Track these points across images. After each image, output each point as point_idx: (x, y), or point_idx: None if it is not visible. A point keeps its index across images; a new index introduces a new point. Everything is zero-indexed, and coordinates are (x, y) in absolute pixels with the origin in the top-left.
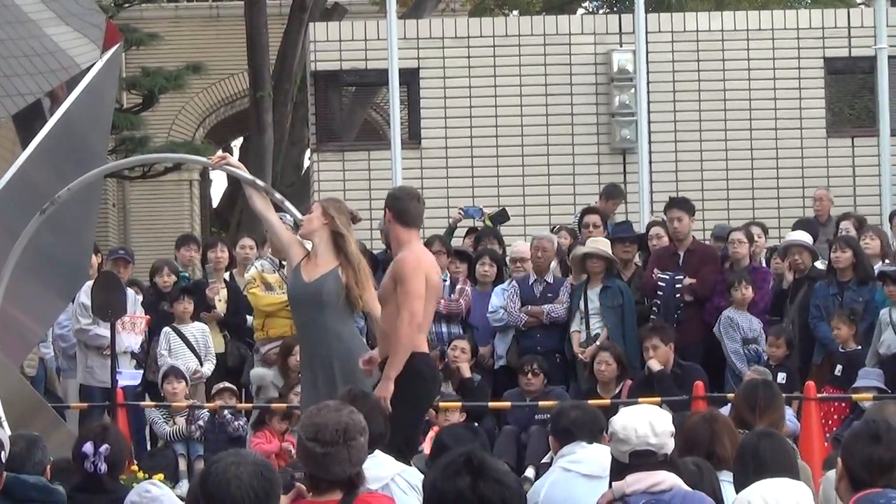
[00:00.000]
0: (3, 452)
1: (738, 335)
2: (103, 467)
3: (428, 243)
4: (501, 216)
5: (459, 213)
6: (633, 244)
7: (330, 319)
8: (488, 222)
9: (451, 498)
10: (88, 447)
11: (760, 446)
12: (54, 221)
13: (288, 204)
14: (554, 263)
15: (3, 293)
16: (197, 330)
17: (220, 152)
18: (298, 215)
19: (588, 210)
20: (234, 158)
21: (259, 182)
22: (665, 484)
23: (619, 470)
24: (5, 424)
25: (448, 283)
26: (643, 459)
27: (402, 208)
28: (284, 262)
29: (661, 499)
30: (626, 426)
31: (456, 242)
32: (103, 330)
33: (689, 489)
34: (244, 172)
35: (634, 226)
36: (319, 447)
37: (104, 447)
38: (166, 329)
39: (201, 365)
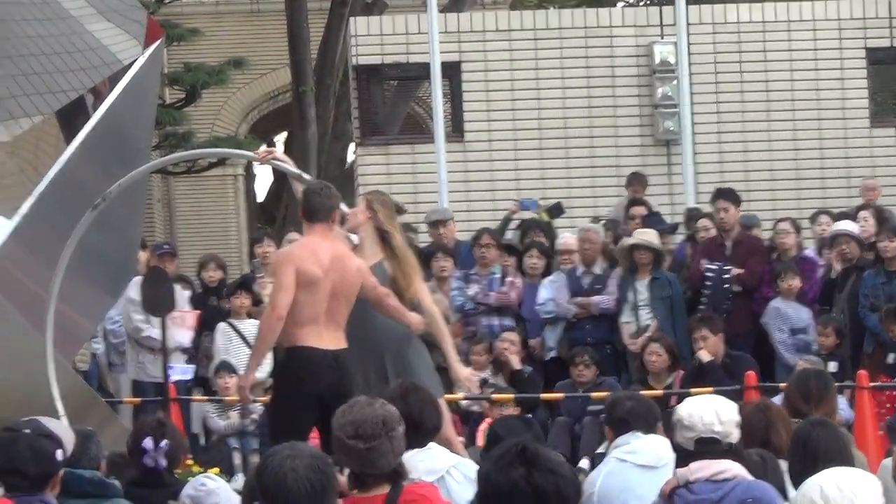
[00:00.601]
0: (60, 450)
1: (785, 325)
2: (163, 462)
3: (476, 236)
4: (557, 209)
5: (515, 205)
6: (670, 235)
7: (378, 314)
8: (544, 215)
9: (505, 489)
10: (148, 442)
11: (814, 435)
12: (101, 218)
13: None
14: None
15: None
16: (253, 327)
17: (264, 146)
18: (345, 209)
19: (634, 202)
20: (281, 152)
21: (305, 175)
22: (729, 473)
23: (683, 457)
24: (64, 420)
25: (499, 275)
26: (708, 447)
27: (305, 203)
28: None
29: (723, 487)
30: (693, 413)
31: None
32: (156, 332)
33: (753, 478)
34: (291, 166)
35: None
36: (363, 443)
37: (164, 442)
38: (222, 325)
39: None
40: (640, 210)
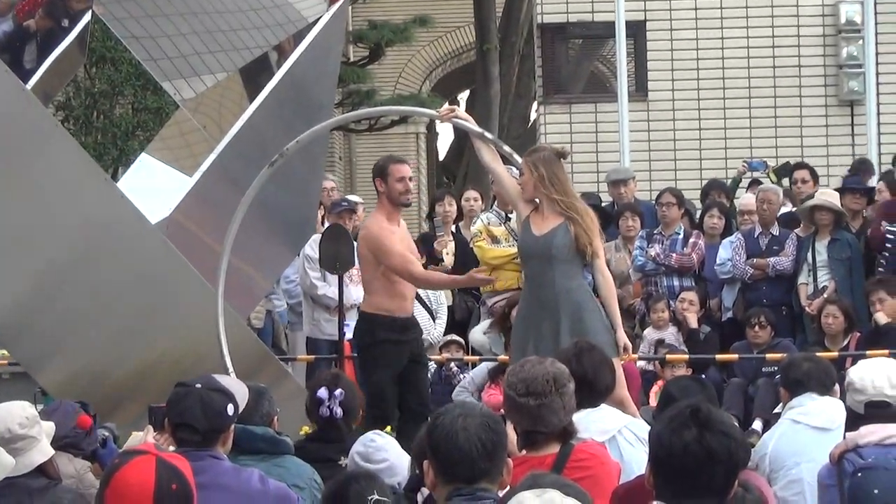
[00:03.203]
0: (231, 405)
1: None
2: (339, 412)
3: (659, 195)
4: (785, 170)
5: (744, 166)
6: (865, 196)
7: (559, 273)
8: (772, 176)
9: (677, 450)
10: (323, 392)
11: None
12: (281, 175)
13: (516, 156)
14: None
15: (231, 246)
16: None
17: (447, 105)
18: (516, 173)
19: (798, 165)
20: (462, 111)
21: (487, 134)
22: None
23: (853, 420)
24: (233, 376)
25: (682, 236)
26: (878, 411)
27: None
28: (511, 215)
29: (893, 452)
30: (864, 377)
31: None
32: (332, 290)
33: None
34: (473, 125)
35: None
36: (533, 400)
37: (338, 391)
38: None
39: (433, 319)
40: (802, 174)
